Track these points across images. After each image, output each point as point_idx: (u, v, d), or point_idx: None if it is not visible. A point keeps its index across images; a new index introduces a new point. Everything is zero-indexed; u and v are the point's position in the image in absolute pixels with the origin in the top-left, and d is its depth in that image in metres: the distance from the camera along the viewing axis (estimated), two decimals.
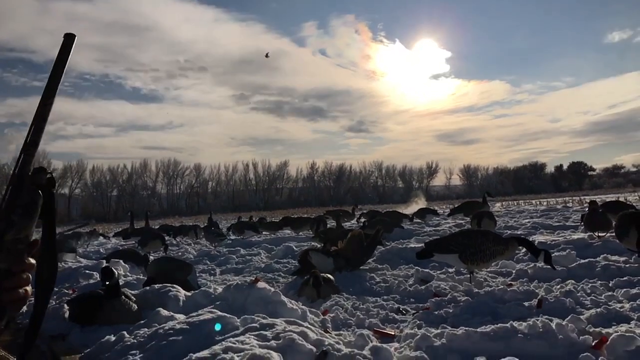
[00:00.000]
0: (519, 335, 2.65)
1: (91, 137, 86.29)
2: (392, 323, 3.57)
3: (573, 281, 4.27)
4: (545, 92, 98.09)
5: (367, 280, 5.09)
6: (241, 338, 2.52)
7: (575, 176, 69.67)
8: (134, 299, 3.95)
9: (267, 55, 63.52)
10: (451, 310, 3.57)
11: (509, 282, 4.58)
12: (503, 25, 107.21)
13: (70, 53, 1.04)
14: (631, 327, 2.83)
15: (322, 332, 2.94)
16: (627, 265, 4.63)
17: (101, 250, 11.24)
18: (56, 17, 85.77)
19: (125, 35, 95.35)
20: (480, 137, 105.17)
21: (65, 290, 5.31)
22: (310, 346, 2.40)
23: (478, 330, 2.75)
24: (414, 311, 3.84)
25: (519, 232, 8.30)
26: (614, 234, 5.46)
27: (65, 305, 4.09)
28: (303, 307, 3.69)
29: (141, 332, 3.17)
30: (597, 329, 2.81)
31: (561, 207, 15.08)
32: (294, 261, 6.74)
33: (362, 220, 12.89)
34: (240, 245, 9.83)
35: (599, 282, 4.22)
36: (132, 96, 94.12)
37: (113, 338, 3.17)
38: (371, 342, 2.70)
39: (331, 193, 67.28)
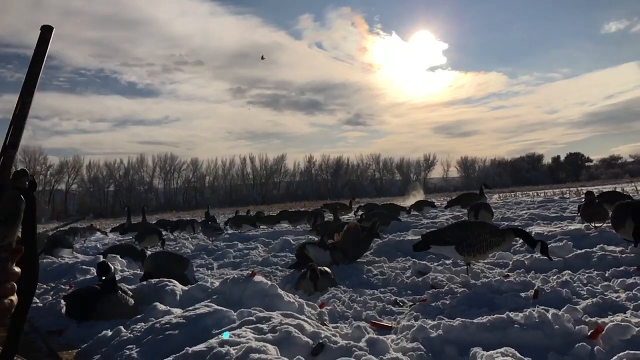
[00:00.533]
0: (515, 325, 2.65)
1: (87, 133, 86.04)
2: (389, 315, 3.57)
3: (569, 271, 4.28)
4: (542, 84, 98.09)
5: (364, 273, 5.10)
6: (238, 331, 2.51)
7: (572, 167, 69.78)
8: (131, 293, 3.94)
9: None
10: (448, 302, 3.58)
11: (506, 273, 4.59)
12: (499, 16, 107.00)
13: (49, 46, 1.00)
14: (627, 317, 2.84)
15: (319, 324, 2.94)
16: (624, 255, 4.65)
17: (98, 246, 11.24)
18: (51, 11, 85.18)
19: (121, 30, 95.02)
20: (477, 129, 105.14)
21: (62, 286, 5.30)
22: (306, 339, 2.40)
23: (474, 321, 2.76)
24: (411, 303, 3.84)
25: (516, 224, 8.32)
26: (610, 224, 5.47)
27: (62, 301, 4.09)
28: (300, 300, 3.69)
29: (138, 326, 3.17)
30: (593, 319, 2.82)
31: (558, 198, 15.11)
32: (291, 255, 6.74)
33: (360, 213, 12.89)
34: (237, 240, 9.82)
35: (596, 272, 4.23)
36: (128, 91, 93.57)
37: (110, 333, 3.17)
38: (368, 334, 2.70)
39: (329, 186, 67.23)
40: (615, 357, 2.13)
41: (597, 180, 47.03)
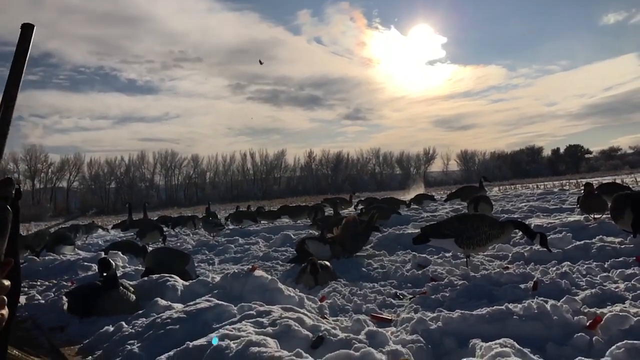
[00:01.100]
0: (514, 317, 2.67)
1: (88, 130, 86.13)
2: (389, 308, 3.59)
3: (569, 263, 4.29)
4: (541, 76, 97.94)
5: (364, 267, 5.11)
6: (238, 325, 2.53)
7: (572, 159, 69.74)
8: (132, 289, 3.96)
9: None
10: (448, 294, 3.59)
11: (505, 265, 4.60)
12: (498, 9, 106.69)
13: (30, 45, 0.97)
14: (625, 307, 2.85)
15: (319, 318, 2.95)
16: (623, 246, 4.65)
17: (100, 243, 11.27)
18: (49, 9, 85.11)
19: (119, 27, 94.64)
20: (477, 122, 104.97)
21: (64, 283, 5.33)
22: (306, 332, 2.42)
23: (474, 313, 2.77)
24: (410, 296, 3.86)
25: (515, 216, 8.33)
26: (609, 215, 5.48)
27: (64, 298, 4.11)
28: (300, 294, 3.71)
29: (139, 322, 3.19)
30: (592, 309, 2.83)
31: (558, 190, 15.12)
32: (292, 249, 6.76)
33: (360, 207, 12.91)
34: (238, 235, 9.84)
35: (595, 263, 4.24)
36: (128, 88, 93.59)
37: (112, 328, 3.19)
38: (367, 326, 2.71)
39: (329, 181, 67.27)
40: (613, 347, 2.14)
41: (597, 172, 46.99)
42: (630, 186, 10.87)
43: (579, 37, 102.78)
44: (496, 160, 71.04)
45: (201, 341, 2.36)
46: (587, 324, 2.57)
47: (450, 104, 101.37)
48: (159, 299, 3.61)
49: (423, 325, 2.74)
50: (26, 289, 5.64)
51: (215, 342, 2.11)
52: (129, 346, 2.75)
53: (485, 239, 4.30)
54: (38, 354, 2.84)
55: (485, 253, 5.08)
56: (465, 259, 4.65)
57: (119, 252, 6.85)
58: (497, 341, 2.26)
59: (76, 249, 8.89)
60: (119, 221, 17.13)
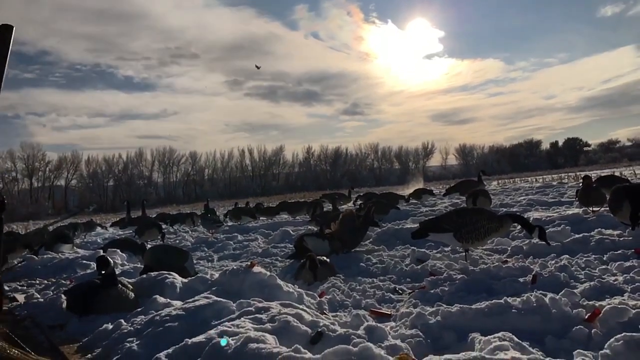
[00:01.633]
0: (513, 310, 2.67)
1: (85, 128, 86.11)
2: (388, 303, 3.59)
3: (567, 256, 4.29)
4: (539, 69, 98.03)
5: (363, 262, 5.11)
6: (237, 322, 2.53)
7: (570, 152, 69.77)
8: (131, 287, 3.96)
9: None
10: (447, 289, 3.60)
11: (504, 259, 4.60)
12: (495, 2, 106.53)
13: (10, 46, 0.95)
14: (624, 299, 2.85)
15: (318, 313, 2.95)
16: (621, 239, 4.66)
17: (98, 241, 11.26)
18: (45, 7, 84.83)
19: (116, 24, 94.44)
20: (475, 116, 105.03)
21: (63, 281, 5.33)
22: (305, 327, 2.42)
23: (473, 307, 2.77)
24: (410, 291, 3.86)
25: (514, 210, 8.33)
26: (608, 208, 5.48)
27: (63, 296, 4.10)
28: (299, 290, 3.70)
29: (138, 319, 3.19)
30: (591, 302, 2.83)
31: (556, 184, 15.12)
32: (291, 245, 6.76)
33: (359, 202, 12.90)
34: (237, 231, 9.85)
35: (593, 256, 4.25)
36: (125, 85, 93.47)
37: (111, 326, 3.19)
38: (366, 322, 2.71)
39: (328, 177, 67.27)
40: (612, 339, 2.14)
41: (596, 164, 47.05)
42: (629, 179, 10.87)
43: (577, 29, 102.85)
44: (495, 154, 71.04)
45: (200, 338, 2.36)
46: (586, 316, 2.57)
47: (448, 98, 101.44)
48: (157, 296, 3.60)
49: (422, 320, 2.74)
50: (25, 288, 5.65)
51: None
52: (128, 344, 2.75)
53: (484, 233, 4.30)
54: (37, 353, 2.83)
55: (484, 247, 5.08)
56: (464, 253, 4.65)
57: (118, 250, 6.85)
58: (496, 335, 2.26)
59: (75, 247, 8.88)
60: (118, 219, 17.13)
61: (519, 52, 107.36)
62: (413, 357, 2.21)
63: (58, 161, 61.16)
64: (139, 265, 5.81)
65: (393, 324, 2.92)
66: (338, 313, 3.32)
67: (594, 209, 6.54)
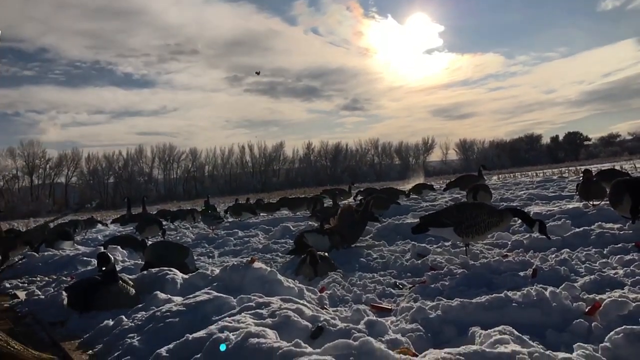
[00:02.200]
0: (514, 304, 2.67)
1: (85, 125, 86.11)
2: (389, 298, 3.59)
3: (568, 250, 4.29)
4: (539, 63, 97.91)
5: (364, 257, 5.11)
6: (237, 317, 2.53)
7: (571, 146, 69.69)
8: (132, 283, 3.96)
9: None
10: (447, 283, 3.60)
11: (505, 253, 4.61)
12: None
13: None
14: (624, 293, 2.86)
15: (319, 308, 2.95)
16: (622, 232, 4.66)
17: (99, 237, 11.27)
18: (44, 4, 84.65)
19: (115, 21, 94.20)
20: (475, 111, 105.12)
21: (64, 278, 5.33)
22: (305, 322, 2.42)
23: (473, 301, 2.78)
24: (410, 285, 3.86)
25: (514, 204, 8.33)
26: (608, 202, 5.48)
27: (64, 292, 4.10)
28: (300, 285, 3.71)
29: (139, 315, 3.19)
30: (591, 296, 2.84)
31: (557, 178, 15.12)
32: (291, 241, 6.76)
33: (359, 198, 12.90)
34: (237, 228, 9.85)
35: (594, 249, 4.25)
36: (124, 82, 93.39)
37: (111, 322, 3.19)
38: (367, 316, 2.72)
39: (328, 172, 67.22)
40: (612, 332, 2.15)
41: (596, 158, 46.97)
42: (629, 172, 10.86)
43: (577, 23, 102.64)
44: (495, 149, 70.98)
45: (201, 333, 2.37)
46: (586, 310, 2.57)
47: (448, 92, 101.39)
48: (158, 292, 3.60)
49: (422, 314, 2.75)
50: (26, 285, 5.65)
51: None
52: (129, 339, 2.76)
53: (484, 227, 4.30)
54: (39, 349, 2.84)
55: (484, 241, 5.08)
56: (464, 248, 4.65)
57: (118, 247, 6.86)
58: (497, 328, 2.26)
59: (75, 244, 8.89)
60: (118, 216, 17.12)
61: (519, 47, 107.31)
62: (414, 351, 2.21)
63: (58, 158, 61.19)
64: (139, 262, 5.81)
65: (393, 318, 2.92)
66: (339, 308, 3.33)
67: (595, 202, 6.54)
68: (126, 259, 6.43)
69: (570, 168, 23.00)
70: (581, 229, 4.93)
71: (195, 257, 6.05)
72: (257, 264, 3.82)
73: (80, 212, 22.41)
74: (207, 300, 2.98)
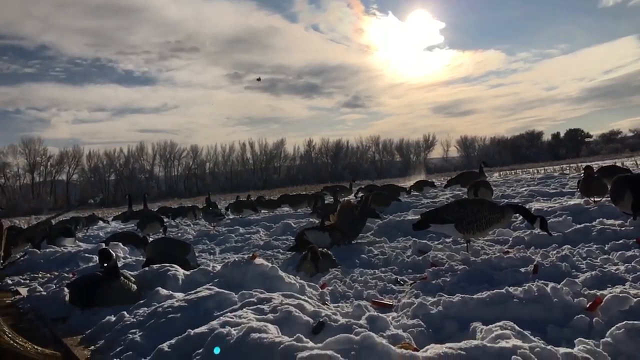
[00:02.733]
0: (515, 300, 2.67)
1: (86, 123, 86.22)
2: (390, 294, 3.60)
3: (569, 246, 4.29)
4: (540, 60, 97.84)
5: (365, 253, 5.12)
6: (239, 313, 2.54)
7: (572, 143, 69.63)
8: (133, 279, 3.97)
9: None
10: (448, 279, 3.60)
11: (506, 250, 4.61)
12: None
13: None
14: (626, 288, 2.86)
15: (320, 304, 2.96)
16: (623, 229, 4.66)
17: (100, 234, 11.28)
18: (44, 1, 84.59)
19: (115, 18, 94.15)
20: (476, 108, 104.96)
21: (65, 274, 5.34)
22: (307, 317, 2.42)
23: (474, 296, 2.78)
24: (411, 281, 3.86)
25: (515, 201, 8.32)
26: (609, 198, 5.47)
27: (66, 289, 4.11)
28: (301, 281, 3.72)
29: (141, 311, 3.20)
30: (592, 291, 2.84)
31: (558, 175, 15.09)
32: (292, 238, 6.76)
33: (360, 195, 12.90)
34: (239, 224, 9.86)
35: (595, 246, 4.25)
36: (125, 79, 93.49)
37: (113, 318, 3.19)
38: (368, 312, 2.72)
39: (329, 169, 67.27)
40: (613, 327, 2.15)
41: (597, 155, 46.90)
42: (631, 169, 10.85)
43: (578, 20, 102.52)
44: (496, 146, 70.95)
45: (202, 329, 2.37)
46: (588, 305, 2.57)
47: (449, 89, 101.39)
48: (160, 288, 3.61)
49: (424, 310, 2.75)
50: (28, 281, 5.67)
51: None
52: (130, 335, 2.76)
53: (485, 223, 4.30)
54: (41, 345, 2.85)
55: (485, 238, 5.09)
56: (465, 244, 4.65)
57: (120, 243, 6.86)
58: (498, 324, 2.27)
59: (77, 241, 8.91)
60: (119, 213, 17.15)
61: (520, 43, 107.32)
62: (415, 346, 2.21)
63: (59, 156, 61.29)
64: (141, 258, 5.83)
65: (395, 314, 2.93)
66: (340, 304, 3.33)
67: (596, 199, 6.53)
68: (127, 256, 6.44)
69: (571, 165, 22.96)
70: (582, 225, 4.93)
71: (197, 254, 6.06)
72: (259, 260, 3.83)
73: (82, 209, 22.42)
74: (209, 296, 2.98)
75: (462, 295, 2.81)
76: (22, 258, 7.18)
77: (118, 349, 2.64)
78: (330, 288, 3.76)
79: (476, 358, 1.85)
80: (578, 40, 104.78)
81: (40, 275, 5.94)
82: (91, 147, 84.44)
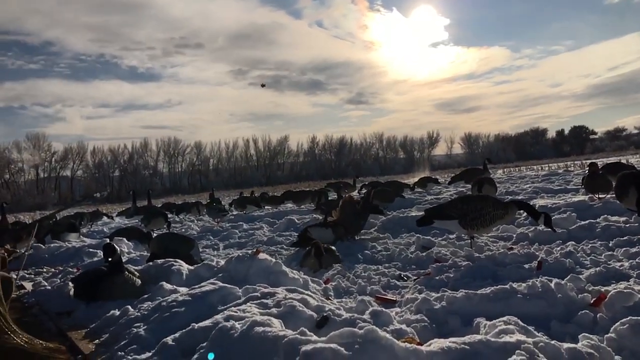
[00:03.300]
0: (519, 295, 2.67)
1: (90, 119, 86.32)
2: (393, 289, 3.60)
3: (573, 242, 4.29)
4: (545, 57, 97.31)
5: (368, 249, 5.12)
6: (243, 307, 2.54)
7: (576, 140, 69.30)
8: (138, 274, 3.98)
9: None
10: (452, 275, 3.60)
11: (510, 246, 4.60)
12: None
13: None
14: (630, 284, 2.86)
15: (323, 299, 2.96)
16: (627, 225, 4.65)
17: (105, 230, 11.33)
18: None
19: (119, 14, 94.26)
20: (480, 105, 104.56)
21: (70, 269, 5.37)
22: (310, 312, 2.43)
23: (478, 292, 2.78)
24: (415, 277, 3.87)
25: (520, 197, 8.31)
26: (614, 195, 5.46)
27: (70, 283, 4.13)
28: (305, 276, 3.72)
29: (145, 305, 3.21)
30: (597, 287, 2.84)
31: (562, 172, 15.06)
32: (296, 234, 6.77)
33: (364, 191, 12.89)
34: (242, 220, 9.88)
35: (599, 242, 4.24)
36: (129, 75, 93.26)
37: (118, 312, 3.21)
38: (372, 307, 2.73)
39: (333, 166, 67.15)
40: (617, 323, 2.15)
41: (602, 152, 46.70)
42: (635, 166, 10.81)
43: (583, 16, 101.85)
44: (500, 143, 70.68)
45: (206, 322, 2.38)
46: (592, 301, 2.57)
47: (453, 86, 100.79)
48: (164, 283, 3.62)
49: (427, 305, 2.75)
50: (33, 276, 5.70)
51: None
52: (135, 329, 2.77)
53: (489, 219, 4.30)
54: (46, 339, 2.87)
55: (489, 234, 5.08)
56: (469, 240, 4.65)
57: (124, 239, 6.90)
58: (501, 319, 2.27)
59: (81, 237, 8.95)
60: (124, 209, 17.19)
61: (525, 40, 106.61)
62: (418, 340, 2.21)
63: (64, 152, 61.36)
64: (145, 254, 5.85)
65: (398, 309, 2.93)
66: (343, 299, 3.33)
67: (600, 195, 6.51)
68: (132, 251, 6.47)
69: (575, 162, 22.90)
70: (587, 221, 4.92)
71: (201, 249, 6.07)
72: (262, 256, 3.84)
73: (87, 204, 22.49)
74: (213, 291, 2.99)
75: (466, 291, 2.81)
76: (26, 253, 7.21)
77: (122, 343, 2.65)
78: (333, 283, 3.76)
79: (480, 352, 1.85)
80: (583, 37, 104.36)
81: (44, 270, 5.98)
82: (95, 143, 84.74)
